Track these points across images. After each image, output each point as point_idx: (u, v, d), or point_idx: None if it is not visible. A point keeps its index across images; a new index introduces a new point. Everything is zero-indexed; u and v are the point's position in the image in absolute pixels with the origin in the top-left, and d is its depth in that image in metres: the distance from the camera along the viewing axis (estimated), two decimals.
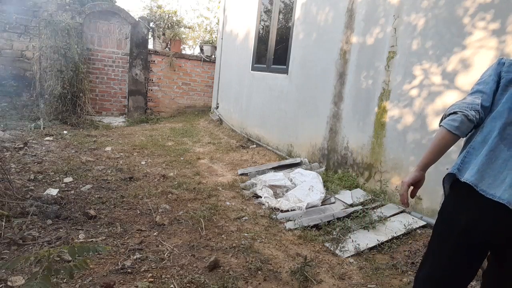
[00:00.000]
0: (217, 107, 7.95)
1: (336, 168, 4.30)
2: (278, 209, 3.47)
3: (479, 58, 2.80)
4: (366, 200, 3.54)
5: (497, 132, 1.29)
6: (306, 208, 3.41)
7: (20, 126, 5.81)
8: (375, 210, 3.35)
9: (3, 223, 2.53)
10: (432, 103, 3.15)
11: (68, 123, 6.54)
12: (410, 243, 2.89)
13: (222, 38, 7.78)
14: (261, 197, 3.70)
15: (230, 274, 2.28)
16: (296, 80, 5.08)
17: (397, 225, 3.08)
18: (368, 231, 3.03)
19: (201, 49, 9.13)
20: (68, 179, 3.70)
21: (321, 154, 4.56)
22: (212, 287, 2.13)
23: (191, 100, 8.94)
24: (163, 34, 8.86)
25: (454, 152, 1.60)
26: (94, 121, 7.06)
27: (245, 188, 3.98)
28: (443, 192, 1.45)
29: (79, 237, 2.57)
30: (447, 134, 1.35)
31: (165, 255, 2.45)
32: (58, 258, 2.18)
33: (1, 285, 1.94)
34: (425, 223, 3.09)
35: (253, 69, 6.29)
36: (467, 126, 1.34)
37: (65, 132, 5.97)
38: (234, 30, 7.14)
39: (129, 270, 2.21)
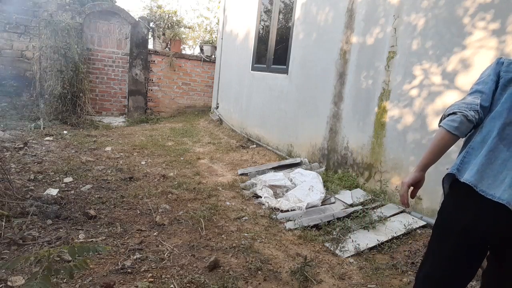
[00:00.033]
0: (217, 107, 7.95)
1: (336, 168, 4.30)
2: (278, 209, 3.48)
3: (479, 58, 2.80)
4: (366, 200, 3.54)
5: (496, 132, 1.29)
6: (306, 208, 3.41)
7: (20, 126, 5.81)
8: (375, 210, 3.35)
9: (3, 223, 2.53)
10: (432, 103, 3.15)
11: (68, 123, 6.54)
12: (410, 243, 2.89)
13: (222, 38, 7.78)
14: (261, 197, 3.70)
15: (230, 274, 2.28)
16: (296, 80, 5.08)
17: (397, 225, 3.09)
18: (368, 231, 3.03)
19: (201, 49, 9.14)
20: (68, 179, 3.71)
21: (321, 154, 4.56)
22: (212, 287, 2.13)
23: (191, 100, 8.94)
24: (163, 34, 8.87)
25: (454, 152, 1.60)
26: (94, 121, 7.06)
27: (245, 188, 3.98)
28: (443, 192, 1.45)
29: (79, 237, 2.57)
30: (446, 134, 1.35)
31: (165, 255, 2.45)
32: (58, 258, 2.18)
33: (1, 285, 1.94)
34: (425, 223, 3.09)
35: (253, 69, 6.29)
36: (466, 126, 1.34)
37: (65, 132, 5.98)
38: (234, 30, 7.14)
39: (129, 270, 2.21)
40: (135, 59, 7.98)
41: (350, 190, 3.80)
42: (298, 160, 4.74)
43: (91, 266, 2.18)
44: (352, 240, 2.87)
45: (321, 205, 3.53)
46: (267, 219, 3.26)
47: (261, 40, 6.15)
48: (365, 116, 3.87)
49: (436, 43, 3.13)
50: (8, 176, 3.14)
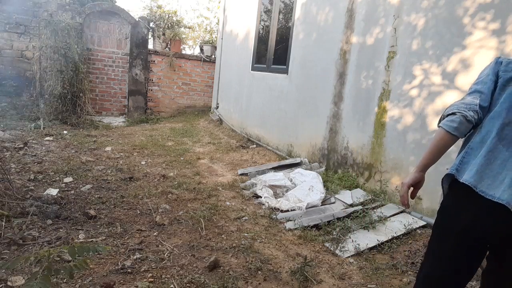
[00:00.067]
0: (217, 107, 7.95)
1: (336, 168, 4.30)
2: (278, 209, 3.48)
3: (479, 58, 2.80)
4: (366, 200, 3.54)
5: (495, 132, 1.29)
6: (306, 208, 3.41)
7: (20, 126, 5.82)
8: (375, 210, 3.35)
9: (3, 223, 2.53)
10: (432, 103, 3.15)
11: (68, 123, 6.54)
12: (410, 243, 2.89)
13: (222, 38, 7.78)
14: (261, 197, 3.71)
15: (230, 274, 2.28)
16: (296, 80, 5.08)
17: (397, 225, 3.09)
18: (368, 231, 3.03)
19: (201, 49, 9.14)
20: (68, 179, 3.71)
21: (321, 154, 4.57)
22: (212, 287, 2.13)
23: (191, 100, 8.94)
24: (163, 34, 8.87)
25: (454, 152, 1.60)
26: (94, 121, 7.06)
27: (245, 188, 3.98)
28: (442, 192, 1.46)
29: (79, 237, 2.57)
30: (445, 135, 1.35)
31: (165, 255, 2.45)
32: (58, 258, 2.18)
33: (1, 285, 1.95)
34: (425, 223, 3.09)
35: (253, 69, 6.29)
36: (465, 126, 1.34)
37: (65, 132, 5.98)
38: (234, 30, 7.14)
39: (129, 270, 2.21)
40: (135, 59, 7.98)
41: (350, 190, 3.80)
42: (298, 160, 4.75)
43: (91, 266, 2.18)
44: (352, 240, 2.87)
45: (321, 205, 3.53)
46: (267, 219, 3.26)
47: (261, 40, 6.15)
48: (365, 116, 3.87)
49: (436, 43, 3.13)
50: (8, 176, 3.14)
